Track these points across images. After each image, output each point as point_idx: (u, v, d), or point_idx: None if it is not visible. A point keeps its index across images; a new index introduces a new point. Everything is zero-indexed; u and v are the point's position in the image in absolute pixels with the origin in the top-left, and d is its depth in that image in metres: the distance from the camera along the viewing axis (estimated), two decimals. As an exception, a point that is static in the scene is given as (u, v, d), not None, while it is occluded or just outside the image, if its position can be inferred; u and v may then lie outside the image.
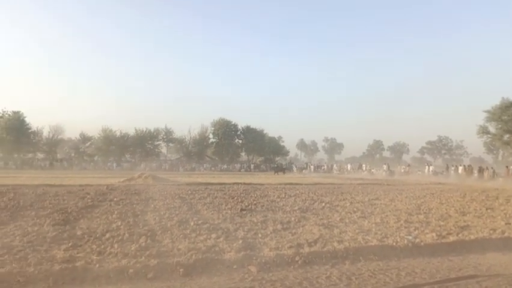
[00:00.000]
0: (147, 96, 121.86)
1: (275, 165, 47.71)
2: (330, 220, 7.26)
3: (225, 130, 58.45)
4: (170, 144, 60.70)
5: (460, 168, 35.01)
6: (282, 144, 68.01)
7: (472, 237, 5.88)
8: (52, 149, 53.89)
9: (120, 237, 5.27)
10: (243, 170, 52.34)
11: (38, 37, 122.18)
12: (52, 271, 3.75)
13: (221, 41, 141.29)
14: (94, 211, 7.88)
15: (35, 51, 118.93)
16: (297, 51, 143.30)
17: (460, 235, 5.99)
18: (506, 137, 34.80)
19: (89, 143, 55.19)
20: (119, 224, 6.38)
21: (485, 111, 34.66)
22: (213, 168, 52.61)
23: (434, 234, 5.97)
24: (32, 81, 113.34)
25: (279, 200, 10.74)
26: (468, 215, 8.45)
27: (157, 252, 4.51)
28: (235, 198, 10.90)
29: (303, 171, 48.33)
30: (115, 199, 10.02)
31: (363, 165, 48.35)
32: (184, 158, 57.66)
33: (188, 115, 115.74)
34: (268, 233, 5.92)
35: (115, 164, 50.79)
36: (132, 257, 4.28)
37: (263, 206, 9.33)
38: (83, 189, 12.78)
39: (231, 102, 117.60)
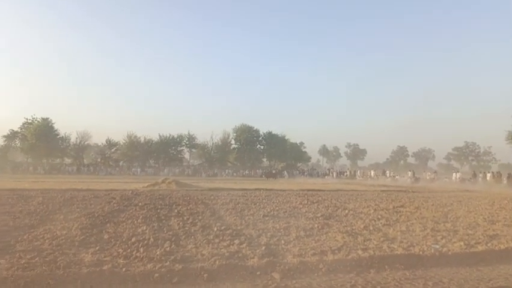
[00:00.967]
0: (172, 103, 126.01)
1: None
2: (353, 227, 7.13)
3: (247, 136, 58.94)
4: (193, 150, 61.74)
5: (488, 175, 33.80)
6: (303, 150, 67.69)
7: (502, 246, 5.62)
8: (79, 154, 55.94)
9: (145, 242, 5.36)
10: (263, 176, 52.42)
11: (70, 50, 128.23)
12: (80, 274, 3.84)
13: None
14: (119, 215, 8.05)
15: (64, 64, 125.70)
16: (323, 59, 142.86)
17: (489, 244, 5.74)
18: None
19: (114, 149, 56.92)
20: (144, 228, 6.50)
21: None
22: (234, 174, 53.02)
23: (462, 243, 5.75)
24: (62, 89, 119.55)
25: (301, 206, 10.65)
26: (497, 223, 8.09)
27: (181, 257, 4.56)
28: (257, 204, 10.91)
29: (325, 177, 47.87)
30: (140, 204, 10.21)
31: (387, 171, 47.46)
32: (207, 164, 58.49)
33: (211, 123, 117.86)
34: (291, 239, 5.87)
35: (139, 169, 52.12)
36: (157, 262, 4.34)
37: (285, 212, 9.28)
38: (109, 194, 13.12)
39: (256, 109, 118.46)
